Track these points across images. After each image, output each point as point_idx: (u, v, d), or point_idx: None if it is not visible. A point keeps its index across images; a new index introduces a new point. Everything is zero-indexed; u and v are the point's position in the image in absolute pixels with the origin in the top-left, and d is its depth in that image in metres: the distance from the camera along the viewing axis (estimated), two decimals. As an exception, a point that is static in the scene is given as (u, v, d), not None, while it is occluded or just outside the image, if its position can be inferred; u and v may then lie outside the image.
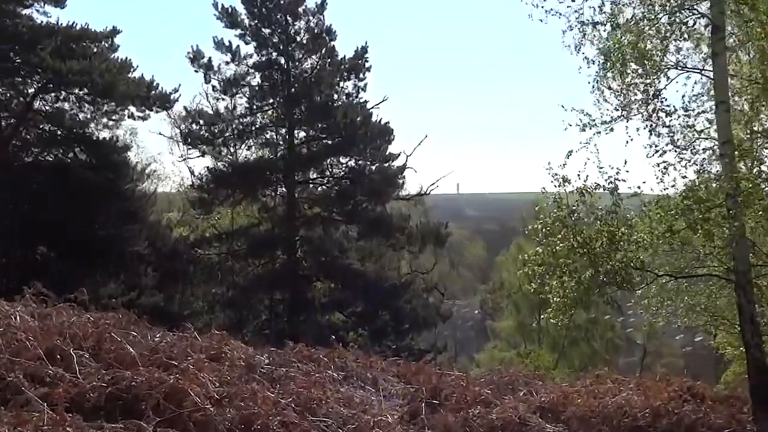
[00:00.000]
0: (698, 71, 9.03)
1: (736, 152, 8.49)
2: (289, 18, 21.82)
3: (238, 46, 21.91)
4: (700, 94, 9.01)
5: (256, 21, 21.78)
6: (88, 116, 20.25)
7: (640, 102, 8.85)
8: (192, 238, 23.09)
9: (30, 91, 19.68)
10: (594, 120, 8.76)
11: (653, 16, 8.77)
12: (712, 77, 8.52)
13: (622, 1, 8.87)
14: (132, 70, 19.92)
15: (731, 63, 9.20)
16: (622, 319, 38.30)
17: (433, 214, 28.95)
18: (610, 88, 8.99)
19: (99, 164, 19.71)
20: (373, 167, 22.48)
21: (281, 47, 21.94)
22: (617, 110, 8.90)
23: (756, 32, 8.39)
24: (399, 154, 22.70)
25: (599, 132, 8.72)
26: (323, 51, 22.06)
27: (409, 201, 24.46)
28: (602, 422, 7.11)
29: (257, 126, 22.66)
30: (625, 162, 8.31)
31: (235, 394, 5.46)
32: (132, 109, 20.20)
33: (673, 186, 8.48)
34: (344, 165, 22.86)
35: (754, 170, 9.07)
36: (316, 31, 21.94)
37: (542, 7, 8.70)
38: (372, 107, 22.57)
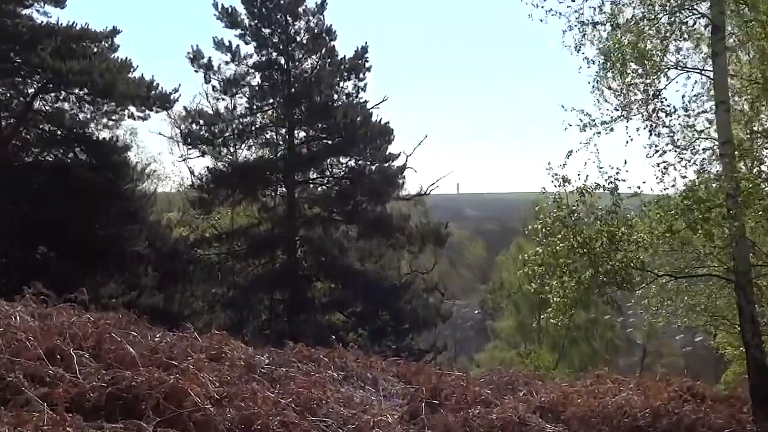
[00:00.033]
0: (698, 71, 9.05)
1: (736, 152, 8.50)
2: (289, 18, 21.82)
3: (238, 46, 21.96)
4: (700, 94, 9.03)
5: (256, 21, 21.79)
6: (88, 116, 20.25)
7: (640, 102, 8.86)
8: (192, 238, 23.10)
9: (30, 91, 19.67)
10: (594, 120, 8.77)
11: (653, 16, 8.77)
12: (712, 77, 8.52)
13: (622, 1, 8.89)
14: (132, 70, 19.93)
15: (731, 63, 9.21)
16: (622, 319, 38.30)
17: (433, 214, 28.96)
18: (610, 88, 9.00)
19: (99, 164, 19.69)
20: (373, 167, 22.48)
21: (281, 47, 21.94)
22: (617, 110, 8.92)
23: (756, 32, 8.39)
24: (399, 154, 22.74)
25: (599, 132, 8.74)
26: (323, 51, 22.06)
27: (409, 201, 24.46)
28: (602, 422, 7.11)
29: (257, 126, 22.67)
30: (625, 162, 8.34)
31: (235, 394, 5.46)
32: (132, 109, 20.20)
33: (673, 186, 8.50)
34: (344, 165, 22.87)
35: (754, 170, 9.07)
36: (316, 31, 21.95)
37: (542, 7, 8.72)
38: (372, 107, 22.62)
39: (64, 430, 4.35)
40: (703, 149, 8.74)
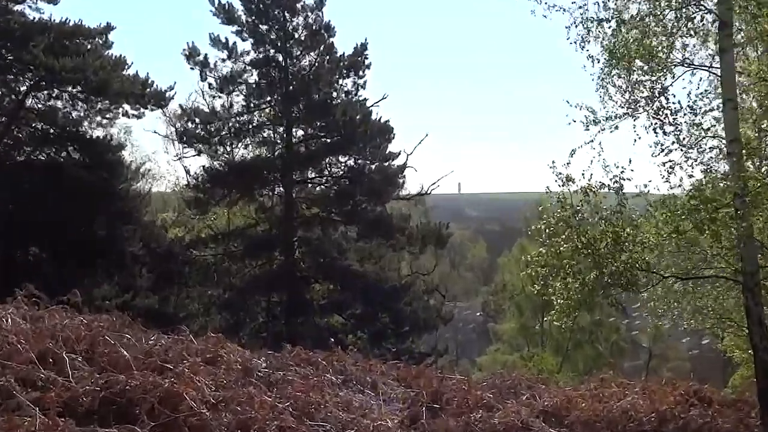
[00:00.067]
0: (705, 68, 9.03)
1: (743, 151, 8.49)
2: (287, 14, 21.81)
3: (234, 42, 21.91)
4: (707, 91, 9.00)
5: (254, 17, 21.77)
6: (82, 114, 20.28)
7: (645, 99, 8.85)
8: (187, 239, 23.06)
9: (22, 88, 19.67)
10: (598, 118, 8.76)
11: (659, 12, 8.76)
12: (719, 74, 8.51)
13: (627, -3, 8.87)
14: (126, 67, 19.93)
15: (739, 60, 9.20)
16: (627, 322, 38.30)
17: (434, 214, 29.01)
18: (615, 85, 8.99)
19: (93, 163, 19.70)
20: (373, 166, 22.47)
21: (279, 44, 21.92)
22: (623, 108, 8.91)
23: (764, 28, 8.39)
24: (399, 153, 22.70)
25: (603, 129, 8.73)
26: (322, 48, 22.04)
27: (410, 201, 24.46)
28: (607, 427, 7.11)
29: (254, 124, 22.65)
30: (630, 161, 8.33)
31: (231, 399, 5.45)
32: (126, 107, 20.23)
33: (679, 186, 8.49)
34: (343, 164, 22.86)
35: (763, 169, 9.07)
36: (314, 27, 21.92)
37: (545, 2, 8.70)
38: (372, 105, 22.59)
39: (57, 435, 4.34)
40: (710, 148, 8.74)
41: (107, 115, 20.58)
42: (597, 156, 8.53)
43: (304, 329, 20.09)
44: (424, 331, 23.23)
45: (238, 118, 22.42)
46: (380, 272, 22.66)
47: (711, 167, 8.65)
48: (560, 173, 8.42)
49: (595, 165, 8.48)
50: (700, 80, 9.02)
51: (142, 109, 20.52)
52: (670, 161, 8.60)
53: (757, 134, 9.58)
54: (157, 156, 39.46)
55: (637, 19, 8.82)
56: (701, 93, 8.91)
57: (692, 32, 8.80)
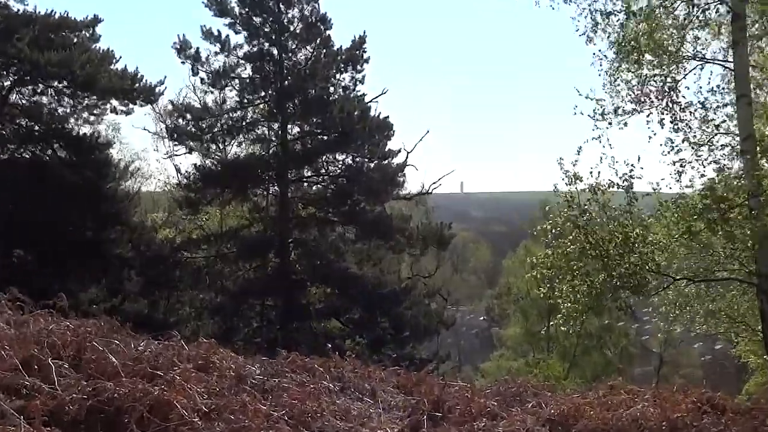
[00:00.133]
0: (718, 62, 9.07)
1: (758, 148, 8.51)
2: (281, 6, 21.82)
3: (227, 35, 21.90)
4: (718, 86, 9.04)
5: (247, 9, 21.78)
6: (68, 110, 20.25)
7: (655, 93, 8.88)
8: (178, 241, 23.07)
9: (6, 83, 19.65)
10: (606, 112, 8.79)
11: (669, 4, 8.78)
12: (732, 69, 8.54)
13: (637, -12, 8.90)
14: (114, 61, 19.92)
15: (753, 53, 9.23)
16: (637, 326, 38.40)
17: (436, 214, 28.97)
18: (624, 80, 9.01)
19: (79, 162, 19.70)
20: (372, 164, 22.48)
21: (273, 37, 21.93)
22: (632, 103, 8.93)
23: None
24: (399, 151, 22.71)
25: (611, 124, 8.76)
26: (318, 41, 22.04)
27: (410, 200, 24.46)
28: (616, 436, 7.10)
29: (248, 121, 22.66)
30: (639, 158, 8.36)
31: (224, 407, 5.45)
32: (114, 102, 20.21)
33: (689, 186, 8.52)
34: (341, 162, 22.87)
35: (778, 167, 9.07)
36: (310, 19, 21.92)
37: (552, -7, 8.73)
38: (370, 101, 22.60)
39: (42, 445, 4.34)
40: (721, 146, 8.77)
41: (94, 112, 20.57)
42: (605, 153, 8.56)
43: (300, 334, 20.11)
44: (425, 336, 23.24)
45: (231, 115, 22.43)
46: (379, 275, 22.67)
47: (723, 165, 8.69)
48: (568, 171, 8.45)
49: (604, 163, 8.52)
50: (711, 74, 9.08)
51: (130, 105, 20.51)
52: (680, 160, 8.64)
53: (772, 131, 9.60)
54: (146, 154, 39.63)
55: (647, 10, 8.84)
56: (713, 88, 8.96)
57: (704, 24, 8.83)
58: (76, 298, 15.82)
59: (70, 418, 4.88)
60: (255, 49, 22.02)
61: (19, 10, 19.04)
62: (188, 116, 22.29)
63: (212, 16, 21.85)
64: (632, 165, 8.32)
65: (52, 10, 19.25)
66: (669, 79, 8.84)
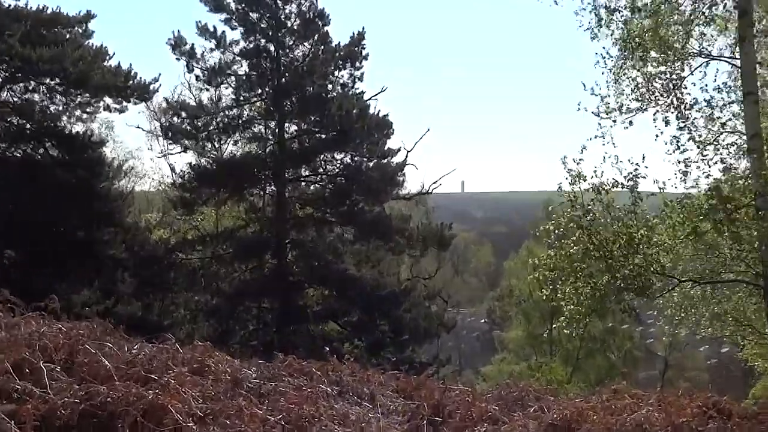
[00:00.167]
0: (725, 59, 9.08)
1: (765, 147, 8.52)
2: (278, 1, 21.82)
3: (223, 31, 21.89)
4: (725, 84, 9.05)
5: (243, 4, 21.77)
6: (60, 108, 20.24)
7: (660, 91, 8.89)
8: (173, 241, 23.07)
9: (-4, 80, 19.68)
10: (610, 109, 8.79)
11: (674, 0, 8.80)
12: (739, 66, 8.54)
13: (642, -17, 8.90)
14: (108, 58, 19.93)
15: (760, 50, 9.23)
16: (642, 329, 38.40)
17: (436, 214, 29.02)
18: (629, 77, 9.02)
19: (72, 161, 19.68)
20: (371, 164, 22.47)
21: (270, 33, 21.93)
22: (637, 101, 8.94)
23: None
24: (399, 150, 22.70)
25: (615, 122, 8.77)
26: (316, 37, 22.03)
27: (410, 200, 24.47)
28: (620, 441, 7.11)
29: (244, 119, 22.64)
30: (644, 158, 8.36)
31: (219, 411, 5.45)
32: (108, 100, 20.19)
33: (694, 186, 8.53)
34: (339, 161, 22.85)
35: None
36: (308, 15, 21.91)
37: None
38: (369, 98, 22.59)
39: (33, 450, 4.34)
40: (728, 144, 8.78)
41: (87, 109, 20.56)
42: (607, 152, 8.57)
43: (297, 337, 20.11)
44: (425, 339, 23.23)
45: (226, 112, 22.42)
46: (378, 276, 22.66)
47: (730, 165, 8.69)
48: (571, 169, 8.45)
49: (608, 162, 8.52)
50: (717, 71, 9.09)
51: (124, 103, 20.50)
52: (686, 159, 8.64)
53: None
54: (140, 153, 39.74)
55: (652, 7, 8.86)
56: (719, 86, 8.97)
57: (710, 20, 8.84)
58: (69, 300, 15.82)
59: (62, 422, 4.87)
60: (251, 45, 22.02)
61: (10, 5, 19.06)
62: (183, 114, 22.26)
63: (208, 11, 21.87)
64: (637, 164, 8.33)
65: (44, 6, 19.27)
66: (674, 77, 8.84)
